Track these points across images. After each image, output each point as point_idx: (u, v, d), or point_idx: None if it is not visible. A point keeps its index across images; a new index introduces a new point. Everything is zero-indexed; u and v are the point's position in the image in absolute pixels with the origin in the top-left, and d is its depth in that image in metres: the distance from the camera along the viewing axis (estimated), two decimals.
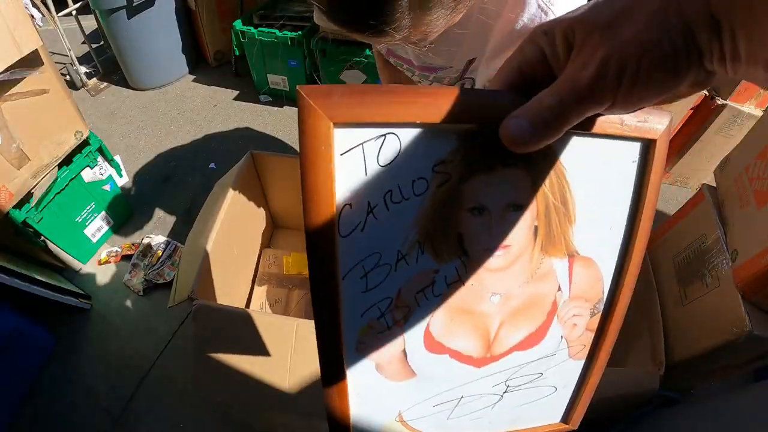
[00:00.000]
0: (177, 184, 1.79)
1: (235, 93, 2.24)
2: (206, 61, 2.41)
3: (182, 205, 1.71)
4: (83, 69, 2.24)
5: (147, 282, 1.44)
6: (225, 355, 0.86)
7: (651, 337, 0.97)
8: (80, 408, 1.20)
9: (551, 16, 0.48)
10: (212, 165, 1.86)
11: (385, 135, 0.24)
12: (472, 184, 0.27)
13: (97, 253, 1.54)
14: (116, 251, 1.54)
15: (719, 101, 1.51)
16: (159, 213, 1.68)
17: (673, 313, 1.01)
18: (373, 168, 0.25)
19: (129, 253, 1.53)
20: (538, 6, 0.49)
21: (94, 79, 2.30)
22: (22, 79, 1.07)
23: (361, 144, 0.24)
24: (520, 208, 0.28)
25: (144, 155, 1.91)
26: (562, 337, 0.34)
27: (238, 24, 1.90)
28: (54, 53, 2.30)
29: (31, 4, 1.89)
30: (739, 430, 0.78)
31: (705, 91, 1.52)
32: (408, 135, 0.24)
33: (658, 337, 0.96)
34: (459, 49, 0.60)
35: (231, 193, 1.08)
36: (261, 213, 1.32)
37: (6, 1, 0.96)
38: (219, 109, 2.15)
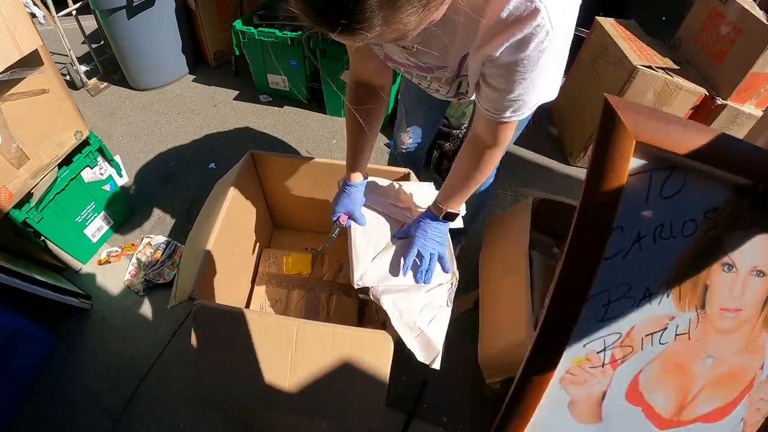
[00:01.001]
0: (177, 184, 1.79)
1: (235, 93, 2.24)
2: (206, 61, 2.41)
3: (182, 205, 1.71)
4: (83, 69, 2.24)
5: (147, 282, 1.44)
6: (225, 355, 0.86)
7: None
8: (80, 408, 1.20)
9: (537, 3, 0.48)
10: (212, 165, 1.86)
11: (672, 168, 0.24)
12: (731, 238, 0.26)
13: (97, 253, 1.54)
14: (116, 251, 1.54)
15: (719, 101, 1.51)
16: (159, 213, 1.68)
17: None
18: (655, 198, 0.25)
19: (129, 253, 1.53)
20: None
21: (94, 79, 2.30)
22: (22, 79, 1.07)
23: (650, 171, 0.24)
24: (762, 274, 0.28)
25: (144, 155, 1.91)
26: (742, 419, 0.33)
27: (238, 24, 1.90)
28: (54, 53, 2.30)
29: (31, 3, 1.89)
30: None
31: (705, 91, 1.52)
32: (693, 174, 0.24)
33: None
34: (451, 47, 0.60)
35: (231, 193, 1.08)
36: (261, 213, 1.32)
37: (6, 1, 0.96)
38: (219, 109, 2.15)
